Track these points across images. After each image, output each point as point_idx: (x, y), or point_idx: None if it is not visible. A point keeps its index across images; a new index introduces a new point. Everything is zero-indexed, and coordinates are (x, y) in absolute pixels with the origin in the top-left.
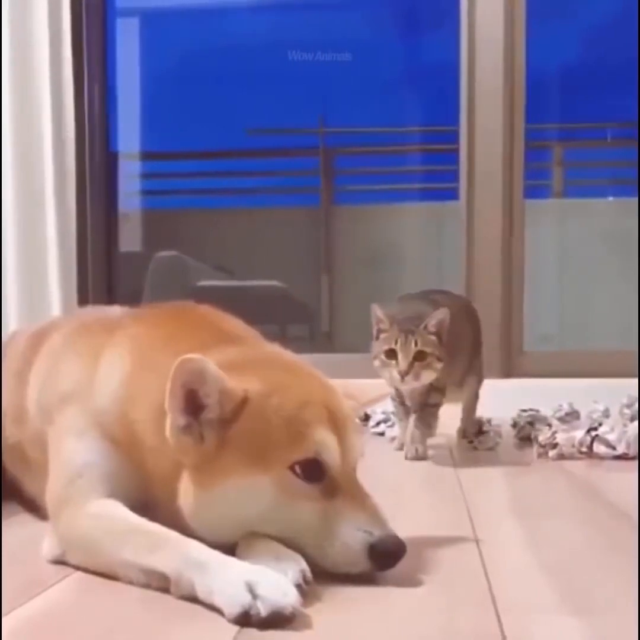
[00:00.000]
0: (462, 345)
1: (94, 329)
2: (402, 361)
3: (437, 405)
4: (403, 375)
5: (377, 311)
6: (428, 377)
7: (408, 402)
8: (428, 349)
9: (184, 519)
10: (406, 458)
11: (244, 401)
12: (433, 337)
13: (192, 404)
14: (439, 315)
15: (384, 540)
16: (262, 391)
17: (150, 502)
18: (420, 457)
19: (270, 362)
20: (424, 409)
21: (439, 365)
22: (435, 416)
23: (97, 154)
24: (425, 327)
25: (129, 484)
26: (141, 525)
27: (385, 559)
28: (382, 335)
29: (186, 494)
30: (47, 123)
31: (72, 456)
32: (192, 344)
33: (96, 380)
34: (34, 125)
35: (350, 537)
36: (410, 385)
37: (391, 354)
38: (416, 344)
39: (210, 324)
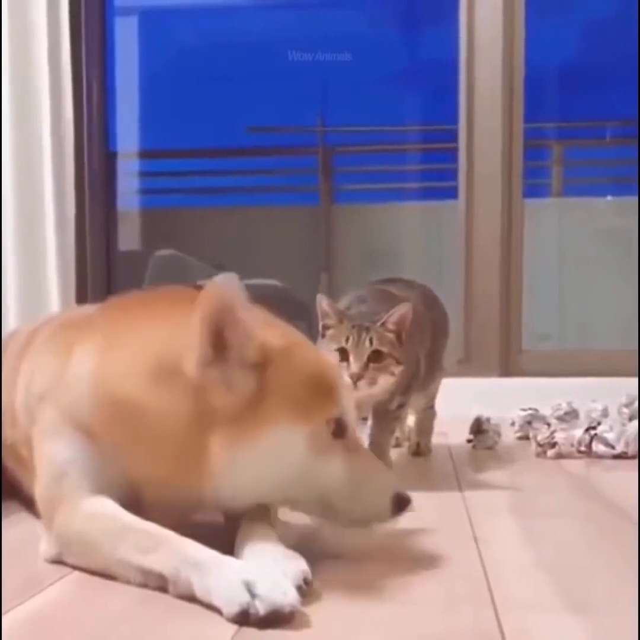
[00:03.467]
0: (425, 340)
1: (69, 327)
2: (355, 363)
3: (402, 407)
4: (356, 379)
5: (323, 303)
6: (385, 382)
7: (363, 408)
8: (385, 349)
9: (179, 507)
10: None
11: (271, 350)
12: (391, 336)
13: (217, 338)
14: (401, 310)
15: (400, 488)
16: (283, 345)
17: (140, 498)
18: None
19: (274, 324)
20: (385, 415)
21: (398, 369)
22: (400, 420)
23: (95, 152)
24: (384, 324)
25: (115, 478)
26: (137, 525)
27: (403, 504)
28: (328, 332)
29: (215, 453)
30: (46, 122)
31: (53, 455)
32: (166, 321)
33: (66, 377)
34: (32, 124)
35: (380, 489)
36: (365, 392)
37: (341, 354)
38: (371, 343)
39: (186, 303)
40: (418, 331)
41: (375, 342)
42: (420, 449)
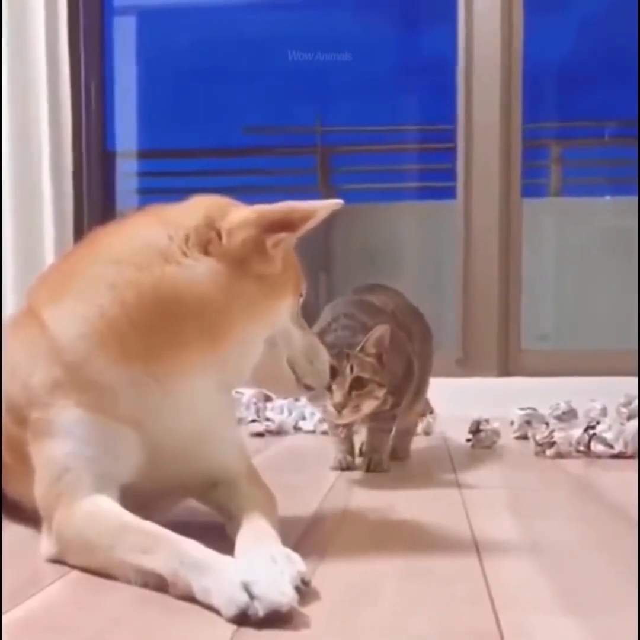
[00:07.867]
0: (416, 344)
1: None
2: (337, 392)
3: (397, 406)
4: (339, 409)
5: None
6: (369, 407)
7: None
8: (367, 375)
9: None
10: (366, 471)
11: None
12: (371, 360)
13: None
14: (378, 333)
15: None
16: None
17: (154, 469)
18: (383, 469)
19: None
20: (381, 415)
21: (381, 393)
22: (394, 419)
23: (93, 152)
24: (363, 349)
25: (129, 449)
26: (136, 524)
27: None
28: None
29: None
30: (44, 122)
31: (53, 451)
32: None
33: (54, 340)
34: (31, 124)
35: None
36: (350, 419)
37: None
38: (352, 370)
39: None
40: (404, 331)
41: (355, 369)
42: (397, 454)
